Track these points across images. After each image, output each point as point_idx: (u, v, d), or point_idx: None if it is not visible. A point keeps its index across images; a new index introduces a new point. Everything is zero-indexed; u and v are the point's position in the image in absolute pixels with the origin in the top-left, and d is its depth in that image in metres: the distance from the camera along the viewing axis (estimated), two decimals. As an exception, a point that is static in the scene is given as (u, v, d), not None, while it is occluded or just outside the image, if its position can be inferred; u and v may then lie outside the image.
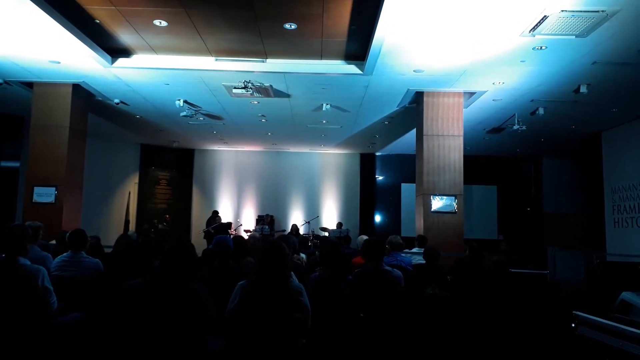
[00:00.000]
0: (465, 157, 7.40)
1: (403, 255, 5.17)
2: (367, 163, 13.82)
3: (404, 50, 5.77)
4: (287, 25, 5.53)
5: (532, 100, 7.73)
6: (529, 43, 5.46)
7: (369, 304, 3.56)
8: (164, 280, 2.64)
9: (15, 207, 9.51)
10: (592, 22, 4.83)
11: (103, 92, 7.89)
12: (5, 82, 7.28)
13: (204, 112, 9.07)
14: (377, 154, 13.75)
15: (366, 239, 4.28)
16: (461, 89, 7.26)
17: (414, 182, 7.97)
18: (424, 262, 4.98)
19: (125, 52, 6.55)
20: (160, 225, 12.14)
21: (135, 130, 10.97)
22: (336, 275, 3.38)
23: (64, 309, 3.53)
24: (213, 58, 6.60)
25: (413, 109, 8.10)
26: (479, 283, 4.25)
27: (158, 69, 6.76)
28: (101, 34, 5.92)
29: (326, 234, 11.98)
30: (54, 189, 7.21)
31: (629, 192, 9.10)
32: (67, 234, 4.19)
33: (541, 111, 8.00)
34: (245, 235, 9.61)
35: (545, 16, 4.75)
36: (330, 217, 13.49)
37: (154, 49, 6.42)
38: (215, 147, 13.51)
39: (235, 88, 7.23)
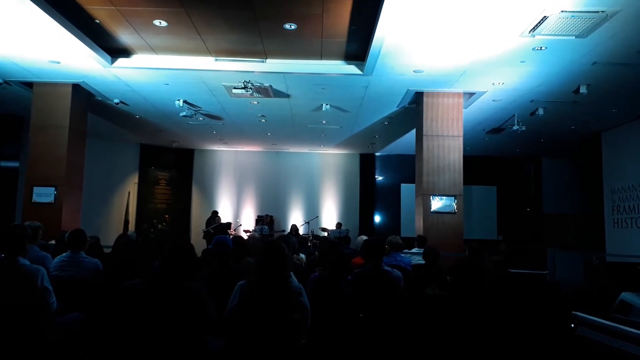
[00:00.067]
0: (465, 157, 7.41)
1: (403, 255, 5.17)
2: (366, 163, 13.83)
3: (403, 51, 5.78)
4: (287, 26, 5.53)
5: (531, 101, 7.73)
6: (528, 43, 5.46)
7: (369, 305, 3.56)
8: (164, 280, 2.64)
9: (15, 207, 9.50)
10: (592, 23, 4.83)
11: (103, 92, 7.89)
12: (5, 82, 7.27)
13: (203, 112, 9.07)
14: (377, 154, 13.75)
15: (366, 239, 4.28)
16: (461, 90, 7.27)
17: (413, 182, 7.97)
18: (424, 262, 4.98)
19: (125, 52, 6.55)
20: (159, 226, 12.15)
21: (135, 130, 10.97)
22: (336, 276, 3.38)
23: (63, 309, 3.52)
24: (213, 58, 6.60)
25: (413, 109, 8.11)
26: (479, 283, 4.25)
27: (158, 69, 6.76)
28: (101, 34, 5.92)
29: (326, 234, 11.98)
30: (53, 189, 7.20)
31: (629, 192, 9.10)
32: (67, 234, 4.19)
33: (541, 111, 8.01)
34: (245, 236, 9.60)
35: (545, 16, 4.75)
36: (329, 218, 13.49)
37: (153, 49, 6.42)
38: (215, 147, 13.51)
39: (235, 88, 7.24)
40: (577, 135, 10.20)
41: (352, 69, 6.62)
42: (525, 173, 13.54)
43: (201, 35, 5.88)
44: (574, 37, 5.19)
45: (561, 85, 6.86)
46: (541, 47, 5.55)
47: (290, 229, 11.75)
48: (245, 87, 7.04)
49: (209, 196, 13.66)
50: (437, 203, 7.21)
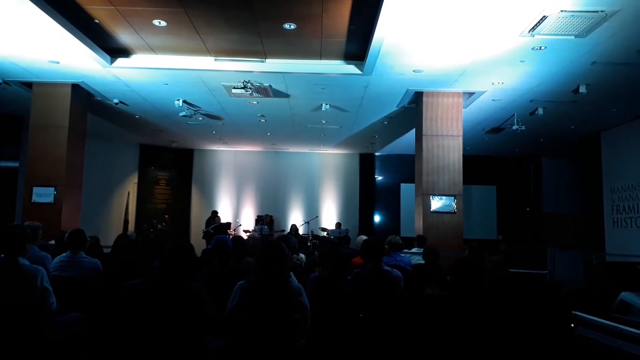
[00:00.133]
0: (464, 157, 7.41)
1: (402, 255, 5.17)
2: (366, 163, 13.83)
3: (403, 51, 5.78)
4: (286, 25, 5.53)
5: (531, 101, 7.74)
6: (528, 43, 5.46)
7: (369, 304, 3.56)
8: (164, 280, 2.64)
9: (15, 207, 9.50)
10: (592, 22, 4.83)
11: (102, 92, 7.89)
12: (5, 82, 7.27)
13: (203, 112, 9.06)
14: (377, 154, 13.75)
15: (365, 239, 4.28)
16: (460, 89, 7.27)
17: (413, 182, 7.98)
18: (424, 262, 4.98)
19: (124, 52, 6.55)
20: (159, 226, 12.15)
21: (134, 130, 10.96)
22: (335, 276, 3.38)
23: (63, 309, 3.52)
24: (212, 58, 6.60)
25: (412, 109, 8.11)
26: (479, 283, 4.25)
27: (157, 69, 6.75)
28: (100, 34, 5.91)
29: (325, 234, 11.98)
30: (53, 189, 7.20)
31: (628, 192, 9.10)
32: (66, 234, 4.19)
33: (540, 111, 8.01)
34: (245, 236, 9.60)
35: (544, 16, 4.75)
36: (329, 217, 13.49)
37: (153, 49, 6.42)
38: (215, 147, 13.51)
39: (234, 88, 7.24)
40: (577, 135, 10.20)
41: (352, 68, 6.62)
42: (525, 173, 13.54)
43: (201, 35, 5.88)
44: (573, 36, 5.19)
45: (561, 85, 6.86)
46: (541, 47, 5.55)
47: (290, 229, 11.75)
48: (244, 87, 7.04)
49: (208, 196, 13.66)
50: (436, 203, 7.22)
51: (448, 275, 4.77)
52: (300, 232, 11.95)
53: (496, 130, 9.85)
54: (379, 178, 13.89)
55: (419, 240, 6.47)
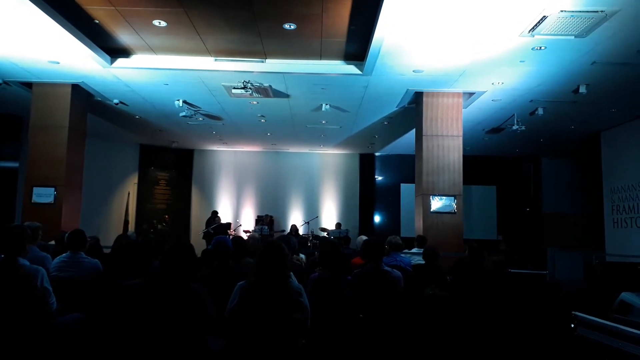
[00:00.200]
0: (464, 157, 7.41)
1: (402, 255, 5.17)
2: (366, 163, 13.83)
3: (403, 51, 5.78)
4: (286, 26, 5.53)
5: (531, 101, 7.74)
6: (528, 43, 5.46)
7: (369, 305, 3.56)
8: (164, 281, 2.64)
9: (15, 207, 9.50)
10: (592, 23, 4.84)
11: (102, 92, 7.89)
12: (5, 82, 7.27)
13: (203, 112, 9.06)
14: (377, 154, 13.75)
15: (365, 239, 4.28)
16: (460, 89, 7.27)
17: (413, 182, 7.98)
18: (424, 262, 4.98)
19: (124, 52, 6.55)
20: (159, 226, 12.16)
21: (134, 130, 10.96)
22: (335, 276, 3.37)
23: (63, 310, 3.52)
24: (212, 58, 6.60)
25: (412, 109, 8.11)
26: (479, 283, 4.25)
27: (157, 69, 6.75)
28: (100, 34, 5.91)
29: (325, 234, 11.98)
30: (53, 189, 7.20)
31: (628, 192, 9.10)
32: (66, 235, 4.19)
33: (540, 111, 8.01)
34: (245, 236, 9.60)
35: (544, 16, 4.75)
36: (329, 218, 13.49)
37: (153, 49, 6.42)
38: (215, 148, 13.51)
39: (234, 88, 7.24)
40: (577, 135, 10.20)
41: (352, 69, 6.62)
42: (525, 173, 13.54)
43: (200, 35, 5.88)
44: (573, 36, 5.19)
45: (560, 85, 6.86)
46: (540, 47, 5.55)
47: (290, 229, 11.75)
48: (244, 87, 7.04)
49: (208, 196, 13.66)
50: (436, 203, 7.22)
51: (448, 276, 4.77)
52: (300, 232, 11.95)
53: (496, 130, 9.85)
54: (379, 178, 13.90)
55: (419, 241, 6.47)
